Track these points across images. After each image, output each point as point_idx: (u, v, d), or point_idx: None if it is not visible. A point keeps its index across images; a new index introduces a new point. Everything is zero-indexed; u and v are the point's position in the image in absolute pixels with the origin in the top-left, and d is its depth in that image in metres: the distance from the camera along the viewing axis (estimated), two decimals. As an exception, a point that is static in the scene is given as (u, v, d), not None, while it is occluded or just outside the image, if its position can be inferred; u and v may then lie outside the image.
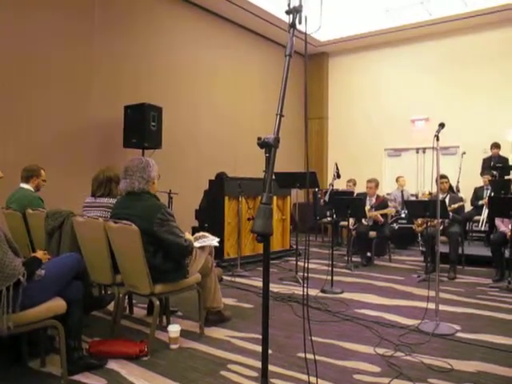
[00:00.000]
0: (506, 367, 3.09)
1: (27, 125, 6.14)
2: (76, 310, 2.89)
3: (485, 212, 7.48)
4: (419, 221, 6.66)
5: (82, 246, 3.71)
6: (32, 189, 4.50)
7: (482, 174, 8.43)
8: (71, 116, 6.67)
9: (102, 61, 7.09)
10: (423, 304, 4.20)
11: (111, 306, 3.79)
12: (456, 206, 6.27)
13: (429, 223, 6.15)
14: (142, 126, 6.60)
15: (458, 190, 8.33)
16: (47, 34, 6.38)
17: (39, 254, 2.95)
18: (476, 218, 7.96)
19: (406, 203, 7.23)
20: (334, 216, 7.38)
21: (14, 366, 3.02)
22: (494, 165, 8.37)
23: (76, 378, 2.86)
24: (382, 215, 7.12)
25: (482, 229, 7.66)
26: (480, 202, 7.93)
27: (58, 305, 2.72)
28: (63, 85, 6.57)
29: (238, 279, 5.89)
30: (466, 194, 8.09)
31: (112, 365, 3.08)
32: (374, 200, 7.39)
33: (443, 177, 6.40)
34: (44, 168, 4.69)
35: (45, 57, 6.35)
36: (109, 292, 4.23)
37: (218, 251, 6.05)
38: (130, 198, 3.42)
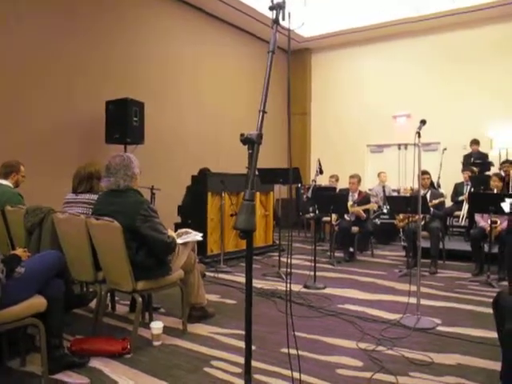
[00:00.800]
0: (485, 359, 3.14)
1: (7, 120, 6.02)
2: (57, 308, 2.85)
3: (465, 207, 7.59)
4: (401, 216, 6.73)
5: (63, 243, 3.66)
6: (11, 185, 4.40)
7: (464, 170, 8.55)
8: (52, 112, 6.57)
9: (83, 56, 6.98)
10: (405, 298, 4.25)
11: (93, 304, 3.75)
12: (437, 201, 6.36)
13: (410, 218, 6.22)
14: (124, 121, 6.55)
15: (439, 186, 8.44)
16: (29, 28, 6.26)
17: (19, 251, 2.90)
18: (456, 213, 8.07)
19: (388, 199, 7.30)
20: (317, 212, 7.41)
21: (-7, 365, 2.97)
22: (473, 161, 8.50)
23: (57, 376, 2.82)
24: (364, 210, 7.19)
25: (462, 224, 7.77)
26: (460, 198, 8.04)
27: (38, 303, 2.68)
28: (44, 80, 6.46)
29: (221, 275, 5.88)
30: (447, 189, 8.21)
31: (94, 363, 3.05)
32: (356, 195, 7.44)
33: (425, 173, 6.48)
34: (24, 164, 4.60)
35: (26, 52, 6.23)
36: (91, 289, 4.19)
37: (201, 247, 6.04)
38: (113, 194, 3.38)
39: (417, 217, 4.32)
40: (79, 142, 6.90)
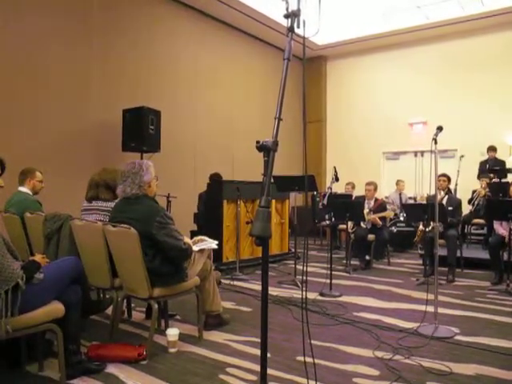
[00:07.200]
0: (504, 370, 3.08)
1: (26, 128, 6.14)
2: (74, 313, 2.88)
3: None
4: (419, 231, 6.62)
5: (81, 250, 3.71)
6: (29, 191, 4.47)
7: (479, 177, 8.44)
8: (70, 119, 6.68)
9: (100, 64, 7.10)
10: (422, 307, 4.20)
11: (110, 310, 3.78)
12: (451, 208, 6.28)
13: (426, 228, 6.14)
14: (141, 129, 6.62)
15: (455, 192, 8.34)
16: (45, 35, 6.40)
17: (38, 257, 2.94)
18: (474, 220, 7.96)
19: (404, 207, 7.22)
20: (333, 219, 7.38)
21: (12, 370, 3.01)
22: (490, 168, 8.39)
23: (74, 382, 2.85)
24: (380, 218, 7.13)
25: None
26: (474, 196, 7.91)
27: (56, 308, 2.72)
28: (61, 88, 6.58)
29: (236, 283, 5.88)
30: (464, 196, 8.09)
31: (111, 369, 3.07)
32: (372, 203, 7.40)
33: (443, 175, 6.40)
34: (42, 171, 4.67)
35: (43, 59, 6.36)
36: (107, 296, 4.22)
37: (217, 255, 6.06)
38: (128, 202, 3.41)
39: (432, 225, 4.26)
40: (96, 149, 6.99)
